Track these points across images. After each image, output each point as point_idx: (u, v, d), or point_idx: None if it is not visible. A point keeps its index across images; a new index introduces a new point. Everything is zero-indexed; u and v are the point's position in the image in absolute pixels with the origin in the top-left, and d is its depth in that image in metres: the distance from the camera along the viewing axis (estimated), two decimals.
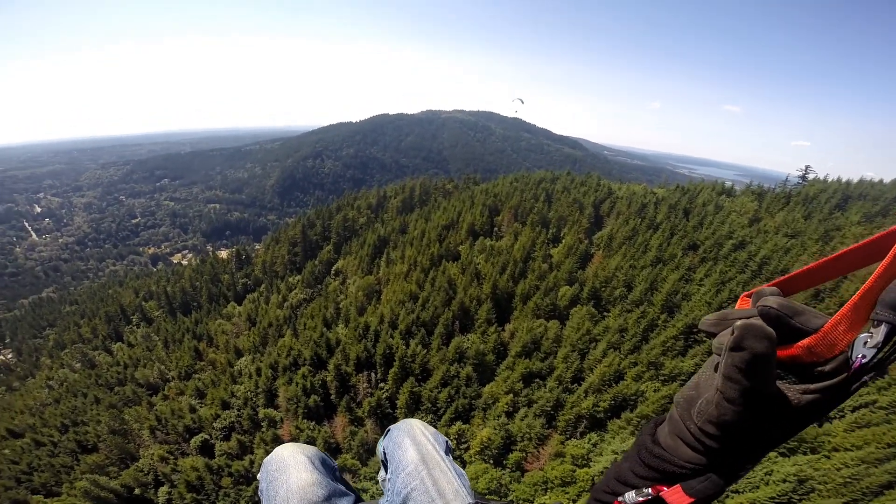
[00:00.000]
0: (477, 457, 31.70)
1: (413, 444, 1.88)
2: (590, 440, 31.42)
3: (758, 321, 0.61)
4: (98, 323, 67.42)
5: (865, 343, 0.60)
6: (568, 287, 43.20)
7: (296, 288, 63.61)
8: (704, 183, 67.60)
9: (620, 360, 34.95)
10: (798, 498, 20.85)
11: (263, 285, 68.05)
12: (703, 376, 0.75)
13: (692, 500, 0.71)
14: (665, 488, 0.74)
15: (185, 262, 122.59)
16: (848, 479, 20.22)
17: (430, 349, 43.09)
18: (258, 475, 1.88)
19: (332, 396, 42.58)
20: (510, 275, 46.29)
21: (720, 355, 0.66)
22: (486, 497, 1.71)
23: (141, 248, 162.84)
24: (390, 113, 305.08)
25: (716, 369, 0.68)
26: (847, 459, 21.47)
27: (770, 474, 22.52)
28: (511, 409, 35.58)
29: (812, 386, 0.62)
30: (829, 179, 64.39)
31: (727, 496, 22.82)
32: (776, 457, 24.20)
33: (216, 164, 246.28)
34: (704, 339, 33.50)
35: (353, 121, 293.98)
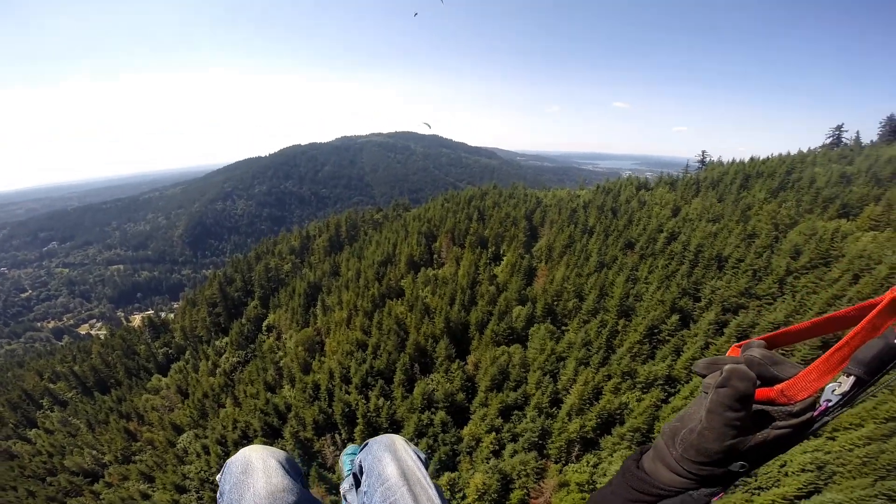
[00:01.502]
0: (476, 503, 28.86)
1: (394, 459, 1.84)
2: (588, 462, 30.06)
3: (742, 366, 0.73)
4: (3, 410, 56.24)
5: (834, 390, 0.74)
6: (521, 307, 41.68)
7: (226, 351, 56.99)
8: (622, 180, 70.86)
9: (593, 374, 33.79)
10: (823, 484, 20.40)
11: (188, 352, 60.45)
12: (689, 411, 0.84)
13: None
14: None
15: (95, 333, 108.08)
16: (865, 459, 20.10)
17: (394, 399, 39.40)
18: (218, 476, 1.71)
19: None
20: (461, 304, 43.87)
21: (707, 393, 0.77)
22: None
23: (39, 324, 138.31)
24: (302, 143, 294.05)
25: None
26: (854, 439, 21.52)
27: (784, 465, 22.01)
28: (497, 447, 33.30)
29: (781, 423, 0.74)
30: (725, 161, 70.57)
31: (755, 495, 21.98)
32: None
33: (111, 218, 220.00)
34: (668, 338, 33.62)
35: (263, 155, 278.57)
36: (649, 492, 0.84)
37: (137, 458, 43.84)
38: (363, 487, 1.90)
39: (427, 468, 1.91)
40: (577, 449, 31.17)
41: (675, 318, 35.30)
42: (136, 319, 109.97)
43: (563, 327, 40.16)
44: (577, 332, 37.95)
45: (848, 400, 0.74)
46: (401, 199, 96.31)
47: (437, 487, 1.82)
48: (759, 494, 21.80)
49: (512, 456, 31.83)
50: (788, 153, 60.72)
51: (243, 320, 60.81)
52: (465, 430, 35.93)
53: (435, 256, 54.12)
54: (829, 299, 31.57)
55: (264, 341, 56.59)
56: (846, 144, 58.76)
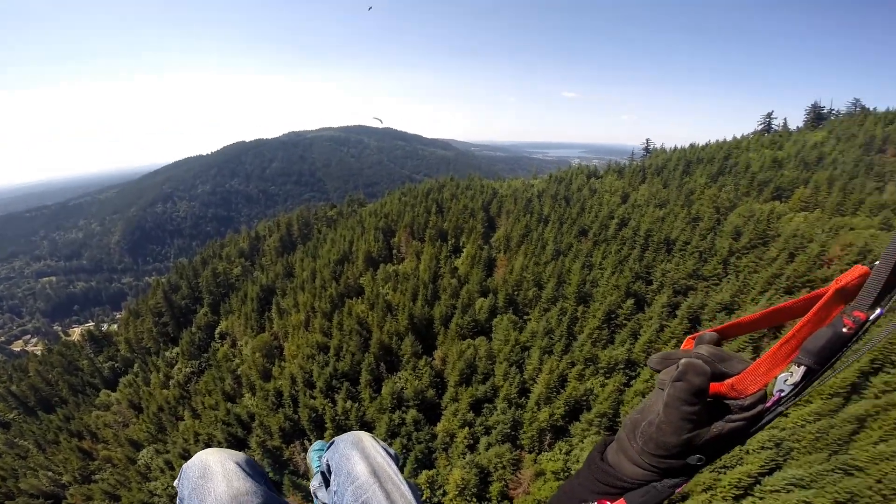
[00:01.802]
0: (458, 499, 28.95)
1: (362, 457, 1.79)
2: (560, 450, 30.72)
3: (698, 360, 0.75)
4: None
5: (786, 380, 0.75)
6: (483, 299, 41.69)
7: (177, 362, 53.84)
8: (573, 169, 72.69)
9: (557, 362, 34.37)
10: (783, 460, 21.63)
11: (136, 365, 56.56)
12: (648, 403, 0.85)
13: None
14: (609, 502, 0.85)
15: (31, 350, 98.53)
16: (817, 434, 21.46)
17: (362, 401, 38.43)
18: (176, 482, 1.64)
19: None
20: (423, 299, 43.24)
21: (663, 389, 0.79)
22: None
23: None
24: (247, 140, 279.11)
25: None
26: (804, 415, 22.96)
27: (744, 444, 23.13)
28: (471, 441, 33.37)
29: (734, 416, 0.76)
30: (668, 148, 74.07)
31: (722, 474, 23.02)
32: None
33: (38, 227, 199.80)
34: (625, 322, 34.70)
35: (205, 153, 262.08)
36: (614, 484, 0.85)
37: (98, 476, 41.49)
38: (332, 487, 1.85)
39: (397, 464, 1.86)
40: (548, 437, 31.75)
41: (630, 302, 36.54)
42: (76, 333, 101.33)
43: (525, 317, 40.60)
44: (538, 321, 38.44)
45: (800, 390, 0.76)
46: (355, 194, 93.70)
47: (409, 483, 1.78)
48: (725, 473, 22.92)
49: (487, 449, 31.97)
50: (725, 139, 64.58)
51: (193, 329, 57.31)
52: (439, 427, 35.69)
53: (394, 252, 53.08)
54: (769, 278, 33.72)
55: (218, 349, 53.65)
56: (776, 130, 63.18)
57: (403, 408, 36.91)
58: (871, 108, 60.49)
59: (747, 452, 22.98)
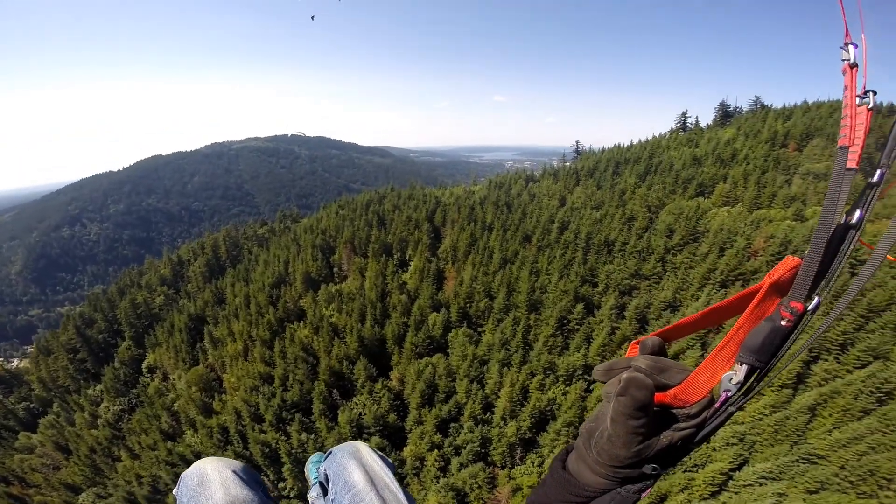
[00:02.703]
0: None
1: (359, 466, 1.82)
2: (532, 462, 30.31)
3: (639, 375, 0.74)
4: None
5: (731, 379, 0.73)
6: (436, 314, 40.32)
7: (103, 400, 49.03)
8: (511, 174, 73.84)
9: (517, 374, 33.78)
10: (748, 454, 22.12)
11: (55, 405, 50.86)
12: (600, 412, 0.84)
13: None
14: None
15: None
16: (776, 426, 22.16)
17: (318, 432, 35.55)
18: (175, 490, 1.66)
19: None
20: (373, 319, 41.01)
21: (609, 401, 0.79)
22: None
23: None
24: (164, 153, 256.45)
25: None
26: (760, 408, 23.75)
27: (709, 442, 23.63)
28: (442, 463, 32.25)
29: (681, 424, 0.76)
30: (596, 149, 77.56)
31: (695, 472, 23.15)
32: None
33: None
34: (577, 327, 34.93)
35: (115, 169, 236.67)
36: (578, 493, 0.84)
37: None
38: (330, 496, 1.85)
39: (394, 473, 1.87)
40: (519, 451, 31.20)
41: (580, 306, 36.95)
42: None
43: (480, 328, 39.83)
44: (493, 333, 37.81)
45: (747, 389, 0.74)
46: (287, 209, 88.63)
47: (406, 492, 1.79)
48: (697, 472, 23.22)
49: (460, 470, 30.73)
50: (647, 139, 68.47)
51: (116, 364, 52.40)
52: (406, 451, 33.95)
53: (335, 270, 50.12)
54: (704, 273, 35.52)
55: (149, 384, 48.92)
56: (690, 128, 68.09)
57: (365, 435, 35.04)
58: (770, 105, 67.36)
59: (714, 450, 23.57)
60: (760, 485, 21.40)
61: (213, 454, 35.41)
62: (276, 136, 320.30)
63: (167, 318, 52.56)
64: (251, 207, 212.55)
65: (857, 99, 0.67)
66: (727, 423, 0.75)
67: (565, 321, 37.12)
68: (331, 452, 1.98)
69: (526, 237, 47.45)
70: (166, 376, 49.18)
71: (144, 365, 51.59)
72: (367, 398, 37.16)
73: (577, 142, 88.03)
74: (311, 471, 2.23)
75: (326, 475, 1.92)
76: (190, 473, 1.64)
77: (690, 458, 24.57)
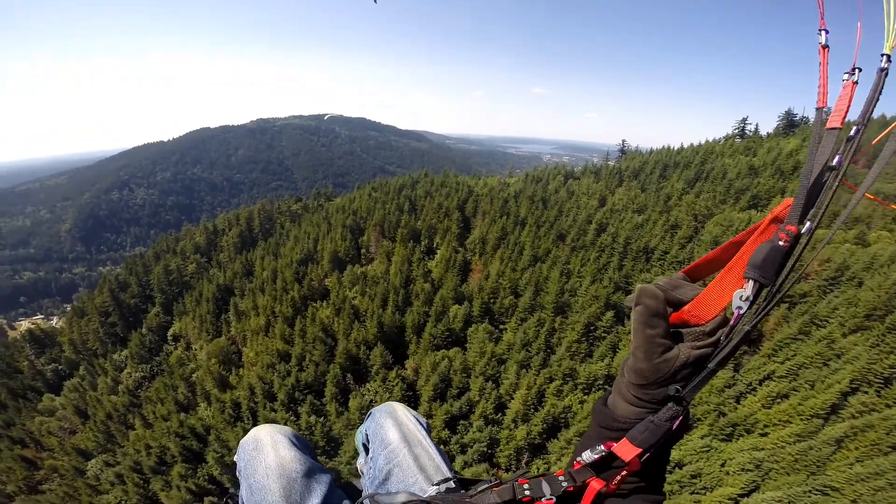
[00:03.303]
0: None
1: (395, 424, 1.93)
2: (538, 469, 28.97)
3: (649, 285, 0.82)
4: None
5: (741, 296, 0.77)
6: (458, 306, 39.36)
7: (126, 366, 49.55)
8: (549, 168, 71.28)
9: (535, 377, 32.52)
10: (761, 481, 20.53)
11: (82, 368, 51.49)
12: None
13: (639, 449, 0.83)
14: (614, 443, 0.87)
15: None
16: (797, 456, 20.47)
17: (328, 415, 35.59)
18: (234, 457, 1.84)
19: (230, 489, 33.14)
20: (394, 305, 40.54)
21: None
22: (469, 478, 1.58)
23: None
24: (212, 126, 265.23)
25: None
26: (784, 436, 21.98)
27: (725, 465, 22.05)
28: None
29: (698, 343, 0.79)
30: (643, 149, 73.81)
31: (702, 495, 21.74)
32: (719, 443, 24.43)
33: None
34: (604, 335, 33.33)
35: (166, 140, 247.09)
36: (612, 426, 0.87)
37: (45, 487, 38.23)
38: (370, 454, 1.97)
39: (428, 432, 2.00)
40: (526, 456, 30.05)
41: (609, 314, 35.06)
42: (23, 326, 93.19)
43: (501, 326, 38.62)
44: (515, 332, 36.53)
45: (758, 308, 0.77)
46: (323, 187, 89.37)
47: (438, 448, 1.89)
48: (705, 494, 21.69)
49: (463, 469, 29.92)
50: (700, 143, 64.29)
51: (143, 330, 53.05)
52: None
53: (363, 252, 49.93)
54: None
55: (171, 353, 49.70)
56: (749, 136, 63.44)
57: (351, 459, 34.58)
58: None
59: (728, 474, 21.87)
60: None
61: (223, 430, 36.05)
62: (318, 114, 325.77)
63: (197, 287, 53.51)
64: (289, 183, 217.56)
65: (846, 75, 0.78)
66: (742, 345, 0.76)
67: (592, 328, 35.35)
68: (370, 413, 2.13)
69: (560, 236, 45.56)
70: (189, 346, 49.83)
71: (170, 333, 52.14)
72: (381, 385, 36.77)
73: (623, 140, 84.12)
74: (359, 438, 2.25)
75: (367, 435, 2.06)
76: (247, 440, 1.78)
77: (700, 479, 22.95)
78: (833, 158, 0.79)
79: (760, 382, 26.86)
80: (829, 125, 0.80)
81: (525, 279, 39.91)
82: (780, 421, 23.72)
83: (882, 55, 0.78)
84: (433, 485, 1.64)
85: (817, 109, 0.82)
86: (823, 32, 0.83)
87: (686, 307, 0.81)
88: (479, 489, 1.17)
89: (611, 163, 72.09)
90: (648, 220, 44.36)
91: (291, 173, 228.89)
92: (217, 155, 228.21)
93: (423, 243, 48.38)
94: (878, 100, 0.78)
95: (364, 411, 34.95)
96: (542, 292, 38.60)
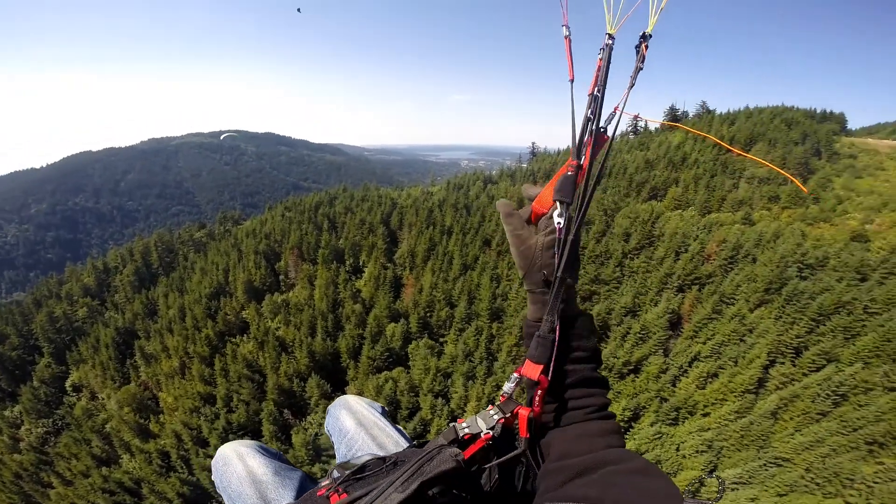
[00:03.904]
0: None
1: (349, 413, 1.98)
2: None
3: (501, 199, 1.09)
4: None
5: (556, 213, 0.96)
6: (394, 324, 37.89)
7: (23, 422, 43.74)
8: (469, 175, 72.49)
9: (482, 387, 32.05)
10: (717, 460, 21.64)
11: None
12: None
13: (540, 365, 0.93)
14: (521, 367, 0.99)
15: None
16: (741, 432, 21.90)
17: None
18: (212, 477, 1.91)
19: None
20: (324, 332, 37.94)
21: None
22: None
23: None
24: (94, 150, 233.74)
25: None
26: (724, 414, 23.53)
27: (679, 449, 22.97)
28: None
29: (544, 231, 0.96)
30: (549, 150, 78.16)
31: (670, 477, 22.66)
32: (668, 428, 25.60)
33: None
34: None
35: (38, 167, 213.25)
36: (529, 332, 0.99)
37: None
38: (334, 448, 2.00)
39: (384, 414, 2.01)
40: None
41: None
42: None
43: (441, 339, 37.85)
44: (455, 344, 35.94)
45: (567, 221, 0.95)
46: (230, 210, 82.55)
47: (396, 426, 1.92)
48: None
49: None
50: None
51: (35, 383, 46.55)
52: None
53: (282, 278, 46.31)
54: (662, 278, 35.43)
55: (74, 404, 44.20)
56: (640, 132, 69.67)
57: (323, 457, 32.28)
58: (714, 110, 70.48)
59: (684, 457, 23.02)
60: (733, 490, 21.14)
61: (157, 481, 32.42)
62: (219, 131, 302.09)
63: (92, 332, 47.07)
64: (192, 207, 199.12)
65: (599, 53, 1.03)
66: (573, 249, 0.92)
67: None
68: (328, 410, 2.17)
69: (486, 241, 46.02)
70: (94, 395, 44.47)
71: (68, 383, 46.58)
72: (323, 417, 34.18)
73: (532, 143, 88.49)
74: (327, 433, 2.22)
75: (329, 433, 2.09)
76: (216, 459, 1.87)
77: (662, 466, 24.02)
78: (588, 112, 1.00)
79: (690, 364, 28.81)
80: (588, 92, 1.01)
81: (458, 289, 39.59)
82: (716, 400, 25.57)
83: (606, 34, 1.02)
84: None
85: (570, 82, 1.03)
86: (565, 27, 1.08)
87: (533, 203, 1.01)
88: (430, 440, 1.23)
89: (524, 165, 75.21)
90: None
91: (193, 196, 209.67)
92: (103, 181, 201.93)
93: (347, 263, 46.14)
94: (608, 69, 1.02)
95: (310, 447, 32.41)
96: (476, 300, 38.54)
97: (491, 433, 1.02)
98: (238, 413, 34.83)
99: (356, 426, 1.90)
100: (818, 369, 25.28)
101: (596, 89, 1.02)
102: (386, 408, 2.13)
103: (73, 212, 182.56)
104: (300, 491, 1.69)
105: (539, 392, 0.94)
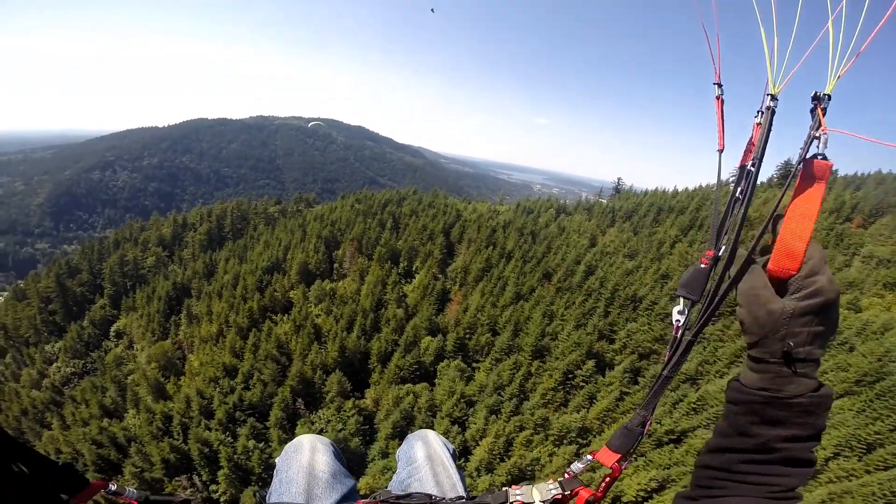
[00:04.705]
0: None
1: (423, 446, 2.11)
2: None
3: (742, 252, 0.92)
4: None
5: (677, 311, 0.94)
6: (430, 338, 36.29)
7: (57, 359, 45.20)
8: (542, 200, 69.61)
9: (504, 425, 29.37)
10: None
11: (9, 355, 47.15)
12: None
13: (618, 455, 0.93)
14: (597, 453, 0.99)
15: None
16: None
17: (270, 441, 31.82)
18: (277, 458, 2.04)
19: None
20: (360, 329, 37.22)
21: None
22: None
23: None
24: (209, 117, 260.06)
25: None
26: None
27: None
28: None
29: (800, 292, 0.81)
30: (638, 189, 72.88)
31: None
32: None
33: None
34: (582, 384, 30.65)
35: (160, 126, 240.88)
36: (737, 398, 0.86)
37: None
38: (397, 472, 2.16)
39: (454, 457, 2.14)
40: None
41: (591, 363, 32.39)
42: None
43: (475, 364, 35.57)
44: (488, 374, 33.51)
45: (696, 321, 0.91)
46: (310, 192, 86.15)
47: (460, 472, 2.05)
48: None
49: None
50: (698, 186, 63.07)
51: (84, 322, 48.72)
52: (362, 483, 29.70)
53: (336, 266, 46.62)
54: (736, 351, 30.82)
55: (111, 349, 45.68)
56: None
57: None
58: (836, 170, 61.69)
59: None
60: None
61: (147, 443, 32.10)
62: (318, 117, 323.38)
63: (151, 282, 49.71)
64: (277, 182, 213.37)
65: (755, 118, 0.87)
66: (687, 353, 0.88)
67: (571, 376, 32.58)
68: (406, 439, 2.30)
69: (546, 274, 43.09)
70: (132, 344, 46.06)
71: (113, 329, 48.35)
72: (334, 415, 33.25)
73: (618, 178, 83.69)
74: (397, 458, 2.35)
75: (398, 458, 2.25)
76: (291, 443, 2.04)
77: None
78: (737, 190, 0.88)
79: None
80: (740, 163, 0.88)
81: (505, 317, 37.14)
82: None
83: (766, 95, 0.84)
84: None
85: (718, 152, 0.91)
86: (717, 86, 0.93)
87: (769, 267, 0.82)
88: (479, 496, 1.25)
89: (603, 200, 70.84)
90: (639, 267, 42.33)
91: (281, 173, 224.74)
92: (209, 146, 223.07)
93: (401, 265, 45.40)
94: (767, 137, 0.85)
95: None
96: (522, 333, 35.82)
97: None
98: (253, 392, 34.55)
99: (425, 458, 2.01)
100: (886, 468, 20.37)
101: (751, 162, 0.86)
102: (456, 451, 2.24)
103: (178, 169, 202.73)
104: (346, 498, 1.76)
105: (608, 480, 0.93)
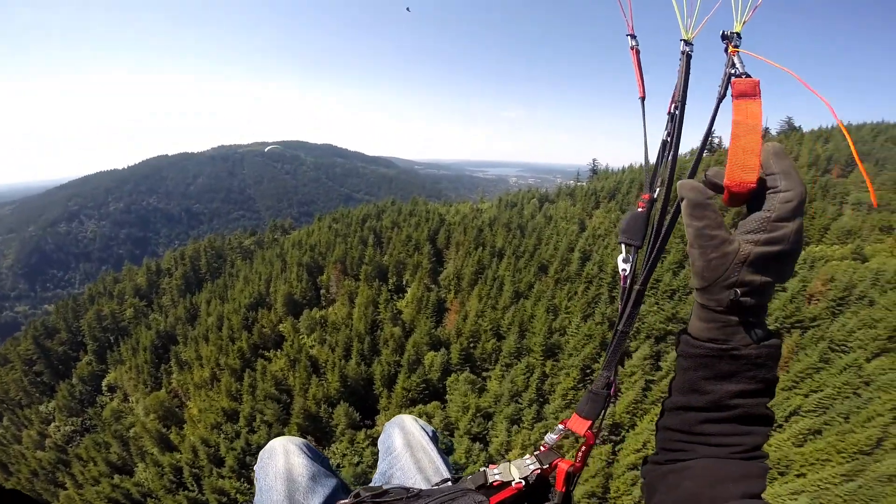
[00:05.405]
0: None
1: (401, 433, 2.02)
2: None
3: (685, 180, 0.81)
4: None
5: (622, 259, 0.94)
6: (433, 353, 34.37)
7: (54, 419, 44.12)
8: (522, 192, 68.39)
9: (528, 433, 27.64)
10: None
11: (6, 418, 45.64)
12: None
13: (588, 421, 0.91)
14: (568, 421, 0.97)
15: None
16: (846, 499, 17.10)
17: None
18: (255, 466, 1.96)
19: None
20: (359, 355, 35.10)
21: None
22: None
23: None
24: (170, 154, 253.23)
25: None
26: (826, 477, 18.71)
27: None
28: None
29: (759, 233, 0.70)
30: (614, 167, 72.33)
31: None
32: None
33: None
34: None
35: (120, 168, 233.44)
36: (687, 352, 0.79)
37: None
38: (380, 464, 2.04)
39: (434, 440, 2.04)
40: None
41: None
42: None
43: (485, 374, 33.79)
44: (500, 382, 31.77)
45: (633, 263, 0.92)
46: (286, 218, 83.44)
47: (442, 454, 1.94)
48: None
49: None
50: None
51: (73, 380, 47.63)
52: None
53: (322, 293, 44.30)
54: None
55: (105, 405, 44.44)
56: (717, 148, 62.64)
57: (342, 496, 28.77)
58: (799, 127, 62.30)
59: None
60: None
61: (163, 497, 30.88)
62: (283, 140, 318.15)
63: (134, 334, 47.25)
64: (252, 213, 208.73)
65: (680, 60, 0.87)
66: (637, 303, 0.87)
67: (589, 371, 31.07)
68: (384, 427, 2.17)
69: (542, 267, 41.61)
70: (126, 397, 44.44)
71: (104, 383, 46.92)
72: (348, 448, 31.18)
73: (593, 159, 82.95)
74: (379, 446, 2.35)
75: (380, 448, 2.13)
76: (264, 449, 1.92)
77: None
78: (664, 133, 0.90)
79: (787, 419, 23.43)
80: (668, 111, 0.89)
81: (508, 319, 35.47)
82: (817, 460, 20.33)
83: (681, 40, 0.85)
84: (431, 485, 1.62)
85: (640, 99, 0.92)
86: (631, 38, 0.97)
87: (724, 182, 0.72)
88: (460, 480, 1.19)
89: (582, 183, 69.94)
90: None
91: (254, 202, 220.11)
92: (174, 184, 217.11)
93: (390, 281, 43.41)
94: (686, 82, 0.86)
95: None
96: (529, 333, 34.20)
97: (522, 483, 0.97)
98: (259, 434, 32.63)
99: (403, 446, 1.91)
100: None
101: (674, 106, 0.86)
102: (438, 433, 2.15)
103: (147, 211, 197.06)
104: (328, 499, 1.70)
105: (584, 448, 0.92)
